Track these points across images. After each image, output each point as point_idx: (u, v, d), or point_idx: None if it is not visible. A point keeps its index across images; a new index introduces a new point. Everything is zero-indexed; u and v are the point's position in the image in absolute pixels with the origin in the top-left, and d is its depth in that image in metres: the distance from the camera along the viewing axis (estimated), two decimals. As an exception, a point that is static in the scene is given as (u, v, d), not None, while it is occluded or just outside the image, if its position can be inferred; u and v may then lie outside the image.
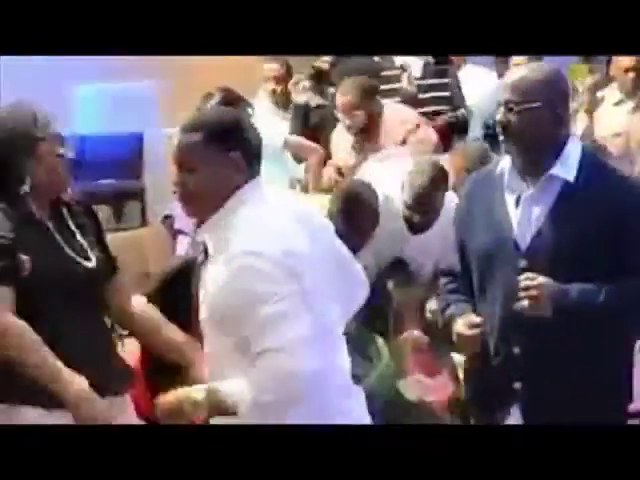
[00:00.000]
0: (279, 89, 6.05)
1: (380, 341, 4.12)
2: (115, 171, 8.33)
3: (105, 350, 3.19)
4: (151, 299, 3.46)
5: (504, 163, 3.13)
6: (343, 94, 5.40)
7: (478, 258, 3.16)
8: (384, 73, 5.98)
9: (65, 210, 3.14)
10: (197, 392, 2.68)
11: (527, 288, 2.97)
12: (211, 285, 2.69)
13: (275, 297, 2.58)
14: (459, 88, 5.88)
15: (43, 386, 2.94)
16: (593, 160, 3.13)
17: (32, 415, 2.97)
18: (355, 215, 4.17)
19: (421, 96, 5.84)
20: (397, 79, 5.94)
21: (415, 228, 4.48)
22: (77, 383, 2.95)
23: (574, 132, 5.33)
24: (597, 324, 3.00)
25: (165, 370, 3.30)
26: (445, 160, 4.77)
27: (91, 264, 3.11)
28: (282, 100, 6.10)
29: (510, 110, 3.00)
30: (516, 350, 3.06)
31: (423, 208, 4.41)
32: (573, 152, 3.08)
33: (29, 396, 2.97)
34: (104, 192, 8.05)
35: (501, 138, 3.07)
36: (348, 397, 2.83)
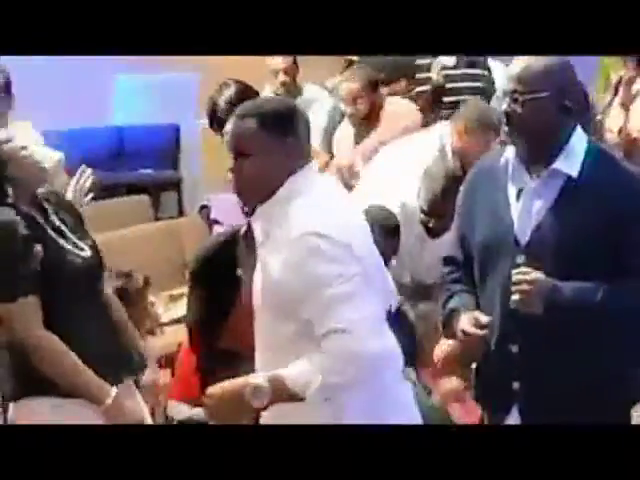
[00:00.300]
0: (289, 80, 6.02)
1: (409, 371, 4.14)
2: (153, 161, 8.41)
3: (116, 336, 3.22)
4: (193, 279, 3.48)
5: (508, 153, 3.04)
6: (348, 82, 5.47)
7: (478, 251, 3.07)
8: (418, 62, 6.02)
9: (47, 205, 3.17)
10: (257, 378, 2.67)
11: (519, 282, 2.89)
12: (270, 269, 2.70)
13: (340, 278, 2.59)
14: (491, 79, 5.90)
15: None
16: (599, 156, 3.01)
17: (47, 405, 3.01)
18: (377, 242, 4.22)
19: (451, 85, 5.87)
20: (429, 68, 5.98)
21: (433, 232, 4.46)
22: (108, 394, 3.00)
23: (609, 127, 5.32)
24: (597, 322, 2.91)
25: (220, 354, 3.30)
26: (447, 126, 4.75)
27: (87, 254, 3.14)
28: (292, 92, 6.08)
29: (515, 100, 2.92)
30: (514, 348, 2.98)
31: (438, 213, 4.35)
32: (578, 146, 2.98)
33: (44, 387, 3.01)
34: (142, 182, 8.14)
35: (506, 129, 2.97)
36: (402, 383, 2.87)
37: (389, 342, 2.72)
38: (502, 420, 3.02)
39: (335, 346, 2.57)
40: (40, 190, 3.16)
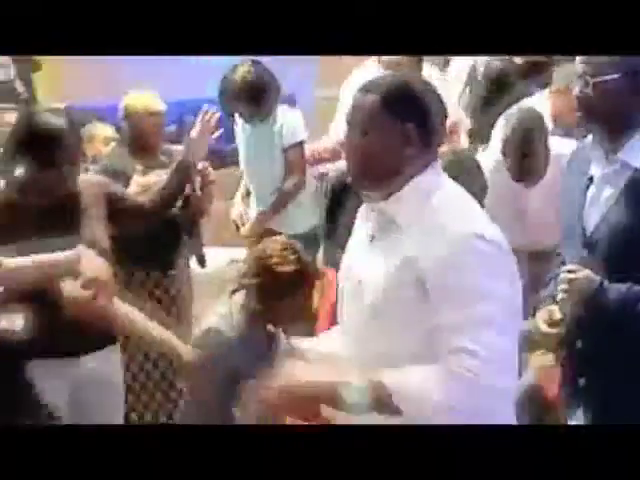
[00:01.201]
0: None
1: None
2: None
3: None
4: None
5: (591, 137, 2.96)
6: None
7: (562, 235, 3.02)
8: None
9: None
10: (356, 385, 2.37)
11: (564, 281, 2.81)
12: (414, 267, 2.38)
13: (496, 293, 2.33)
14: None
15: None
16: None
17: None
18: None
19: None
20: None
21: (515, 174, 4.44)
22: (74, 254, 2.89)
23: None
24: None
25: None
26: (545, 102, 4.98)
27: None
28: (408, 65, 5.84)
29: (586, 84, 2.81)
30: (579, 344, 2.88)
31: (518, 152, 4.38)
32: None
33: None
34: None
35: (578, 114, 2.87)
36: None
37: (516, 377, 2.46)
38: (568, 416, 2.96)
39: (462, 367, 2.29)
40: None
